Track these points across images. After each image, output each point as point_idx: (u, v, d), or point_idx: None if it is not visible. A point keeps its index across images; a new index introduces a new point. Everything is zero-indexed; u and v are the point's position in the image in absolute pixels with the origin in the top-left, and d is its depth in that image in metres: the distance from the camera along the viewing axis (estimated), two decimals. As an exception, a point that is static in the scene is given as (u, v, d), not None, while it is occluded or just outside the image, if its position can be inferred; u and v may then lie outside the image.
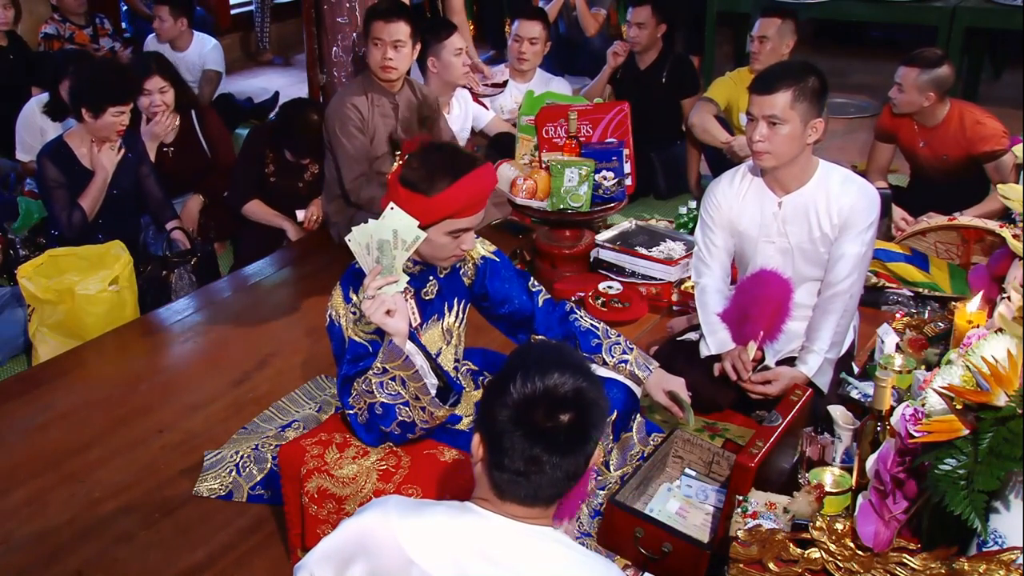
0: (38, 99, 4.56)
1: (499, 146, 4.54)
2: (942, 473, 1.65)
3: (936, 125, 4.08)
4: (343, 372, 2.20)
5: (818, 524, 1.91)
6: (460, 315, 2.43)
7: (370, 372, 2.11)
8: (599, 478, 2.45)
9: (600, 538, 2.37)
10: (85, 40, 5.71)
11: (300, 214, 4.20)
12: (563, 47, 6.37)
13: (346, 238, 2.09)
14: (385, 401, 2.11)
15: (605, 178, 3.71)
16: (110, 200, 3.84)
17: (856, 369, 2.86)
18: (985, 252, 3.53)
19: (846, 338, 2.86)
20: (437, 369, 2.16)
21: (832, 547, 1.88)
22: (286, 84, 6.94)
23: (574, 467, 1.50)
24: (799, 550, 1.92)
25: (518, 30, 4.86)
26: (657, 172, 5.00)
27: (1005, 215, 3.70)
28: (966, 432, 1.65)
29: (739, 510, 2.08)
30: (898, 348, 2.54)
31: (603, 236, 3.92)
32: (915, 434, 1.75)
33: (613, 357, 2.48)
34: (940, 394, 1.74)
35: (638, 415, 2.60)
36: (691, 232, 3.71)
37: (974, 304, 2.32)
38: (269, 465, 2.66)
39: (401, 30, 3.72)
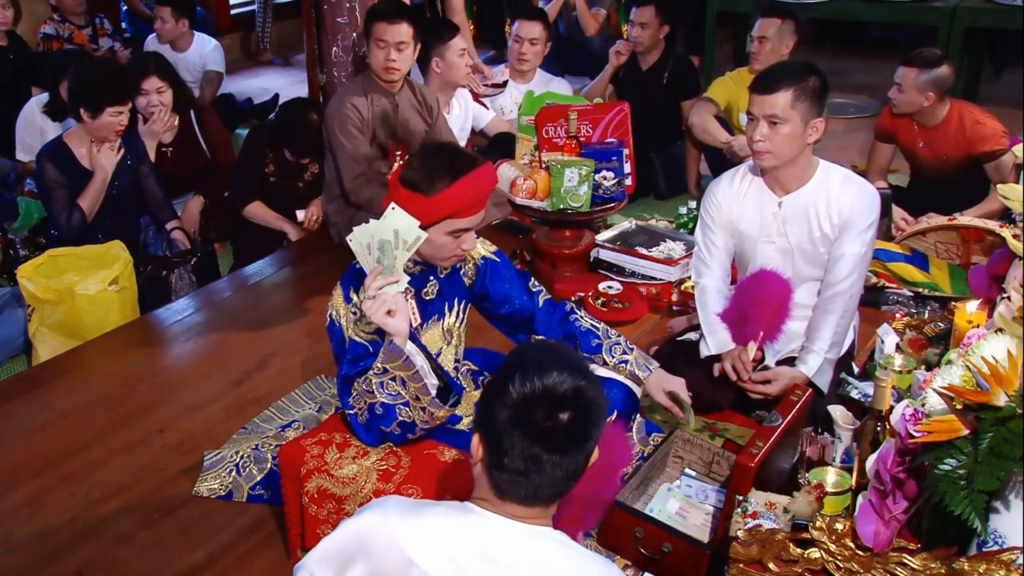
0: (38, 99, 4.56)
1: (499, 146, 4.54)
2: (942, 473, 1.65)
3: (936, 125, 4.08)
4: (343, 372, 2.20)
5: (818, 524, 1.91)
6: (460, 315, 2.43)
7: (370, 372, 2.11)
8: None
9: (600, 538, 2.37)
10: (84, 40, 5.71)
11: (300, 214, 4.20)
12: (563, 47, 6.37)
13: (347, 238, 2.09)
14: (385, 401, 2.11)
15: (605, 178, 3.71)
16: (110, 200, 3.84)
17: (856, 369, 2.86)
18: (985, 252, 3.53)
19: (846, 338, 2.86)
20: (437, 369, 2.16)
21: (832, 547, 1.88)
22: (286, 84, 6.95)
23: (574, 466, 1.50)
24: (799, 550, 1.92)
25: (518, 30, 4.86)
26: (657, 172, 5.00)
27: (1005, 215, 3.70)
28: (966, 432, 1.65)
29: (739, 510, 2.08)
30: (898, 348, 2.54)
31: (603, 236, 3.92)
32: (915, 434, 1.75)
33: (613, 357, 2.48)
34: (940, 394, 1.74)
35: (638, 415, 2.60)
36: (691, 232, 3.71)
37: (974, 304, 2.32)
38: (269, 465, 2.66)
39: (404, 31, 3.73)
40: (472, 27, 6.34)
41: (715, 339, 2.86)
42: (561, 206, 3.69)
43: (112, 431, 2.94)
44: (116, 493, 2.67)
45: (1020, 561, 1.66)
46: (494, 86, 4.99)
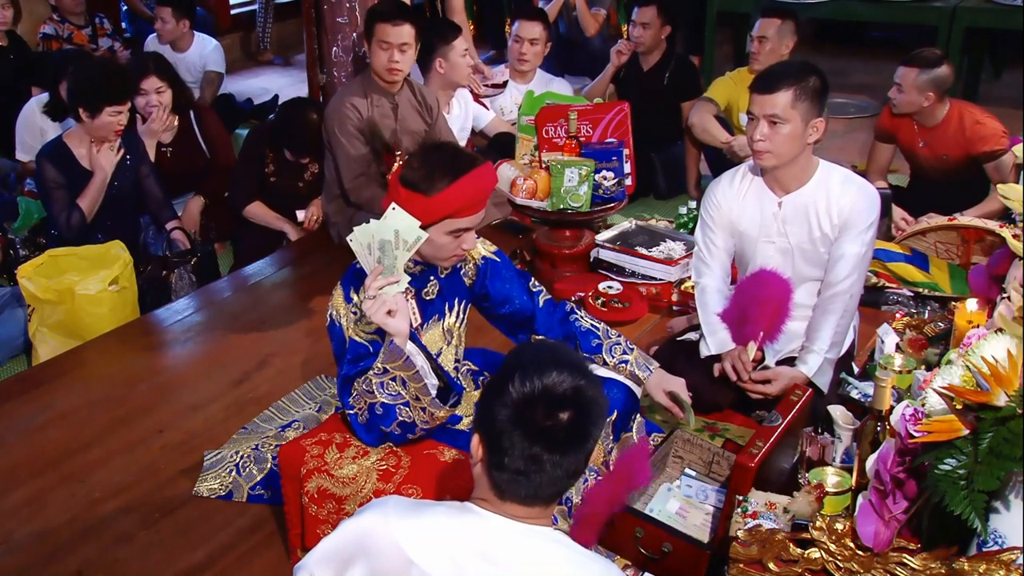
0: (38, 99, 4.56)
1: (499, 146, 4.54)
2: (942, 473, 1.65)
3: (936, 125, 4.08)
4: (343, 372, 2.20)
5: (818, 524, 1.91)
6: (461, 315, 2.43)
7: (371, 372, 2.11)
8: (599, 478, 2.44)
9: (600, 538, 2.37)
10: (83, 40, 5.71)
11: (300, 214, 4.20)
12: (563, 47, 6.37)
13: (347, 238, 2.09)
14: (385, 401, 2.11)
15: (605, 178, 3.71)
16: (109, 200, 3.84)
17: (856, 369, 2.86)
18: (985, 252, 3.53)
19: (846, 338, 2.86)
20: (438, 369, 2.16)
21: (832, 547, 1.88)
22: (286, 84, 6.95)
23: (574, 465, 1.50)
24: (799, 550, 1.92)
25: (518, 31, 4.86)
26: (657, 172, 5.00)
27: (1005, 215, 3.70)
28: (966, 432, 1.65)
29: (739, 510, 2.08)
30: (898, 348, 2.54)
31: (603, 236, 3.92)
32: (915, 434, 1.75)
33: (613, 357, 2.48)
34: (940, 394, 1.74)
35: (638, 415, 2.60)
36: (691, 232, 3.71)
37: (973, 305, 2.32)
38: (269, 465, 2.66)
39: (407, 32, 3.73)
40: (472, 27, 6.34)
41: (715, 339, 2.86)
42: (561, 206, 3.69)
43: (112, 431, 2.94)
44: (116, 493, 2.67)
45: (1020, 561, 1.66)
46: (494, 86, 4.99)
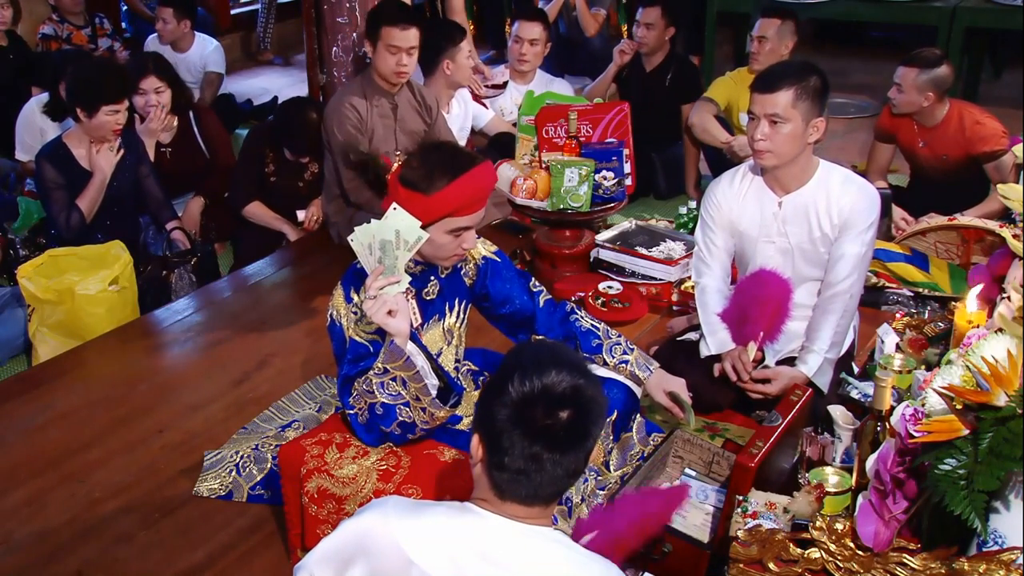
0: (38, 99, 4.56)
1: (499, 146, 4.54)
2: (942, 473, 1.65)
3: (936, 125, 4.08)
4: (344, 372, 2.20)
5: (818, 524, 1.91)
6: (461, 315, 2.43)
7: (371, 372, 2.11)
8: (599, 478, 2.45)
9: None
10: (83, 41, 5.71)
11: (300, 214, 4.20)
12: (563, 47, 6.37)
13: (348, 238, 2.09)
14: (386, 401, 2.11)
15: (605, 178, 3.71)
16: (109, 201, 3.84)
17: (856, 369, 2.86)
18: (985, 252, 3.53)
19: (846, 338, 2.86)
20: (438, 370, 2.16)
21: (832, 547, 1.88)
22: (286, 84, 6.95)
23: (574, 464, 1.50)
24: (799, 550, 1.92)
25: (518, 31, 4.86)
26: (657, 172, 5.00)
27: (1005, 215, 3.70)
28: (966, 432, 1.65)
29: (739, 510, 2.07)
30: (898, 348, 2.54)
31: (603, 236, 3.92)
32: (915, 434, 1.75)
33: (614, 357, 2.48)
34: (940, 394, 1.74)
35: (638, 415, 2.60)
36: (691, 232, 3.71)
37: (972, 303, 2.32)
38: (269, 465, 2.66)
39: (414, 36, 3.74)
40: (472, 27, 6.34)
41: (715, 339, 2.86)
42: (561, 206, 3.69)
43: (112, 431, 2.94)
44: (116, 493, 2.67)
45: (1020, 561, 1.66)
46: (494, 87, 4.99)
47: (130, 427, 2.96)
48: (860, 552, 1.86)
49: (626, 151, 3.87)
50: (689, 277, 3.35)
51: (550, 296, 2.52)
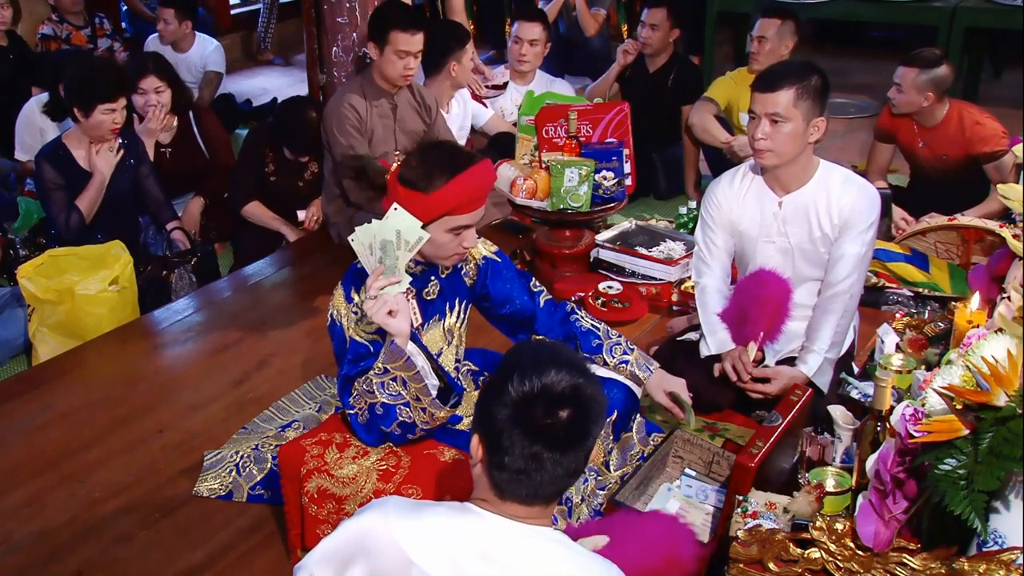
0: (38, 99, 4.56)
1: (499, 146, 4.54)
2: (942, 473, 1.65)
3: (935, 125, 4.08)
4: (344, 372, 2.20)
5: (818, 524, 1.91)
6: (461, 315, 2.43)
7: (371, 372, 2.11)
8: (599, 478, 2.45)
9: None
10: (82, 41, 5.71)
11: (301, 214, 4.20)
12: (563, 47, 6.37)
13: (349, 238, 2.09)
14: (386, 401, 2.11)
15: (605, 178, 3.71)
16: (109, 201, 3.83)
17: (856, 369, 2.86)
18: (985, 252, 3.53)
19: (846, 338, 2.86)
20: (438, 370, 2.16)
21: (832, 547, 1.88)
22: (286, 84, 6.95)
23: (575, 464, 1.50)
24: (799, 550, 1.92)
25: (518, 32, 4.86)
26: (657, 172, 5.00)
27: (1005, 215, 3.70)
28: (966, 432, 1.65)
29: (739, 510, 2.07)
30: (898, 348, 2.54)
31: (603, 236, 3.92)
32: (915, 434, 1.75)
33: (614, 358, 2.48)
34: (940, 394, 1.74)
35: (638, 415, 2.60)
36: (691, 232, 3.71)
37: (974, 304, 2.32)
38: (269, 465, 2.66)
39: (421, 40, 3.75)
40: (472, 27, 6.34)
41: (715, 339, 2.86)
42: (561, 206, 3.69)
43: (112, 431, 2.94)
44: (116, 493, 2.67)
45: (1020, 561, 1.66)
46: (494, 87, 4.99)
47: (130, 427, 2.96)
48: (860, 552, 1.86)
49: (626, 151, 3.87)
50: (689, 277, 3.35)
51: (550, 296, 2.52)
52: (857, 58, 7.25)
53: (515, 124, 4.32)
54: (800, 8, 5.56)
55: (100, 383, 3.22)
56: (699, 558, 2.06)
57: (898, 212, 4.03)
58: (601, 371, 2.44)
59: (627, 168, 3.88)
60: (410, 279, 2.11)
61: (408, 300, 2.15)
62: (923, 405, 1.80)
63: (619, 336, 2.53)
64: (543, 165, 3.81)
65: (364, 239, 2.07)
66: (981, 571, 1.69)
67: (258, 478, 2.66)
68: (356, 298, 2.19)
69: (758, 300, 2.74)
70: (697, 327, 2.97)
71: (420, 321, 2.29)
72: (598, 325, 2.52)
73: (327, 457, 2.23)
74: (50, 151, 3.81)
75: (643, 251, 3.77)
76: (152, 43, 5.71)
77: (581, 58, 6.42)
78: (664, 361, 2.62)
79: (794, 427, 2.32)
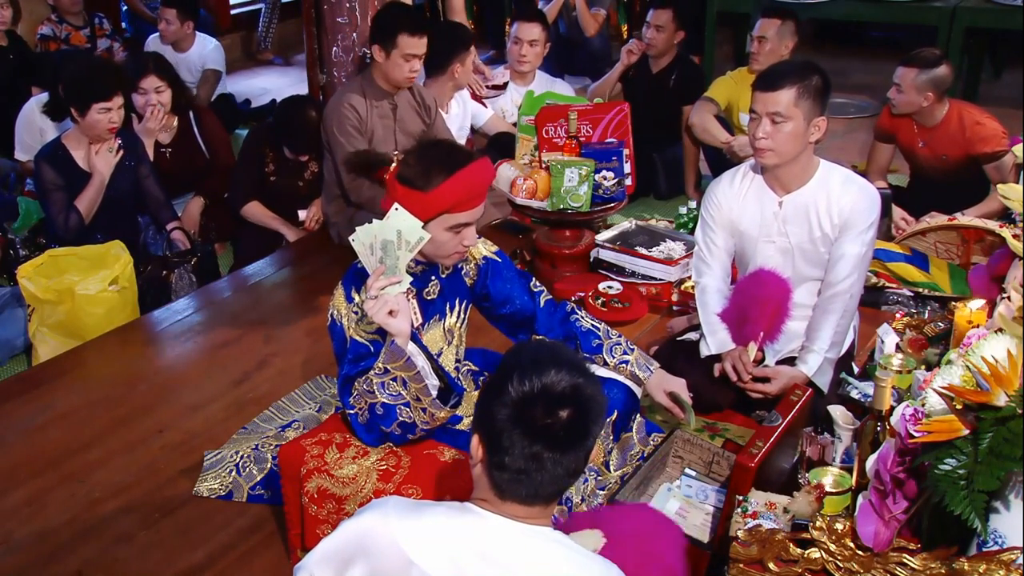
0: (37, 99, 4.55)
1: (499, 146, 4.54)
2: (942, 473, 1.65)
3: (935, 125, 4.08)
4: (344, 372, 2.20)
5: (818, 524, 1.91)
6: (462, 315, 2.43)
7: (371, 372, 2.11)
8: (599, 478, 2.45)
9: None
10: (81, 41, 5.71)
11: (302, 214, 4.20)
12: (563, 47, 6.37)
13: (350, 238, 2.09)
14: (386, 401, 2.11)
15: (605, 178, 3.71)
16: (108, 201, 3.83)
17: (856, 369, 2.86)
18: (985, 252, 3.53)
19: (846, 338, 2.86)
20: (438, 370, 2.16)
21: (832, 547, 1.88)
22: (286, 84, 6.95)
23: (575, 463, 1.50)
24: (799, 550, 1.92)
25: (517, 32, 4.85)
26: (658, 172, 5.00)
27: (1005, 215, 3.70)
28: (966, 432, 1.65)
29: (739, 510, 2.07)
30: (898, 348, 2.54)
31: (603, 236, 3.92)
32: (915, 434, 1.75)
33: (614, 358, 2.48)
34: (940, 394, 1.74)
35: (638, 415, 2.60)
36: (691, 232, 3.71)
37: (974, 304, 2.32)
38: (269, 465, 2.66)
39: (426, 42, 3.75)
40: (472, 27, 6.35)
41: (715, 339, 2.86)
42: (561, 206, 3.69)
43: (112, 431, 2.94)
44: (116, 493, 2.67)
45: (1020, 561, 1.66)
46: (495, 87, 4.99)
47: (130, 427, 2.96)
48: (860, 552, 1.85)
49: (626, 151, 3.87)
50: (689, 277, 3.35)
51: (551, 296, 2.52)
52: (857, 58, 7.25)
53: (515, 124, 4.32)
54: (800, 8, 5.57)
55: (100, 383, 3.22)
56: (682, 546, 2.05)
57: (898, 212, 4.03)
58: (601, 371, 2.44)
59: (627, 168, 3.88)
60: (411, 279, 2.11)
61: (408, 300, 2.15)
62: (923, 405, 1.80)
63: (619, 336, 2.53)
64: (543, 165, 3.81)
65: (365, 239, 2.07)
66: (981, 571, 1.69)
67: (258, 478, 2.66)
68: (356, 298, 2.19)
69: (758, 300, 2.74)
70: (697, 327, 2.97)
71: (420, 321, 2.29)
72: (598, 325, 2.52)
73: (327, 457, 2.23)
74: (49, 152, 3.81)
75: (643, 251, 3.77)
76: (152, 43, 5.71)
77: (581, 58, 6.42)
78: (664, 361, 2.62)
79: (794, 427, 2.32)
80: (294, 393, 3.10)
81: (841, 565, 1.87)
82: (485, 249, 2.45)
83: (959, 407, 1.67)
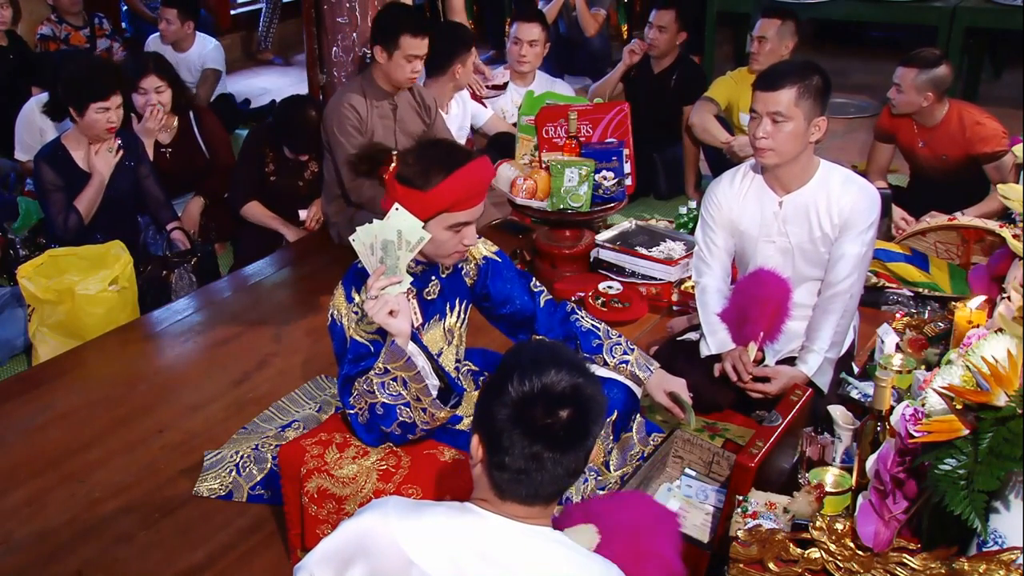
0: (37, 99, 4.55)
1: (499, 146, 4.54)
2: (942, 473, 1.65)
3: (935, 125, 4.08)
4: (344, 372, 2.20)
5: (818, 524, 1.91)
6: (462, 315, 2.43)
7: (372, 372, 2.11)
8: (599, 478, 2.45)
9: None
10: (81, 41, 5.71)
11: (303, 213, 4.20)
12: (563, 47, 6.37)
13: (350, 238, 2.09)
14: (386, 401, 2.11)
15: (605, 178, 3.71)
16: (108, 202, 3.83)
17: (856, 369, 2.86)
18: (985, 252, 3.53)
19: (846, 338, 2.86)
20: (439, 370, 2.16)
21: (832, 547, 1.88)
22: (286, 84, 6.94)
23: (575, 463, 1.51)
24: (799, 550, 1.92)
25: (516, 32, 4.85)
26: (658, 172, 4.99)
27: (1005, 215, 3.70)
28: (966, 432, 1.65)
29: (739, 510, 2.07)
30: (898, 348, 2.54)
31: (603, 236, 3.92)
32: (915, 434, 1.75)
33: (614, 358, 2.48)
34: (940, 394, 1.74)
35: (638, 415, 2.60)
36: (691, 232, 3.71)
37: (974, 303, 2.32)
38: (269, 465, 2.66)
39: (427, 43, 3.75)
40: (472, 27, 6.35)
41: (715, 339, 2.86)
42: (561, 206, 3.69)
43: (112, 431, 2.94)
44: (116, 493, 2.67)
45: (1020, 561, 1.66)
46: (495, 87, 4.99)
47: (130, 427, 2.96)
48: (860, 552, 1.85)
49: (626, 151, 3.86)
50: (689, 277, 3.35)
51: (551, 296, 2.52)
52: (857, 58, 7.25)
53: (515, 124, 4.32)
54: (800, 8, 5.57)
55: (100, 383, 3.22)
56: (677, 533, 2.05)
57: (898, 212, 4.03)
58: (601, 371, 2.44)
59: (627, 168, 3.88)
60: (411, 279, 2.11)
61: (409, 300, 2.15)
62: (923, 405, 1.80)
63: (619, 336, 2.53)
64: (543, 165, 3.81)
65: (365, 239, 2.07)
66: (981, 571, 1.69)
67: (258, 478, 2.66)
68: (357, 298, 2.19)
69: (758, 300, 2.74)
70: (697, 327, 2.97)
71: (420, 321, 2.29)
72: (598, 325, 2.52)
73: (327, 457, 2.23)
74: (49, 152, 3.80)
75: (643, 251, 3.77)
76: (152, 43, 5.71)
77: (581, 58, 6.42)
78: (664, 361, 2.62)
79: (794, 427, 2.32)
80: (294, 393, 3.10)
81: (841, 565, 1.87)
82: (485, 249, 2.45)
83: (959, 407, 1.67)
